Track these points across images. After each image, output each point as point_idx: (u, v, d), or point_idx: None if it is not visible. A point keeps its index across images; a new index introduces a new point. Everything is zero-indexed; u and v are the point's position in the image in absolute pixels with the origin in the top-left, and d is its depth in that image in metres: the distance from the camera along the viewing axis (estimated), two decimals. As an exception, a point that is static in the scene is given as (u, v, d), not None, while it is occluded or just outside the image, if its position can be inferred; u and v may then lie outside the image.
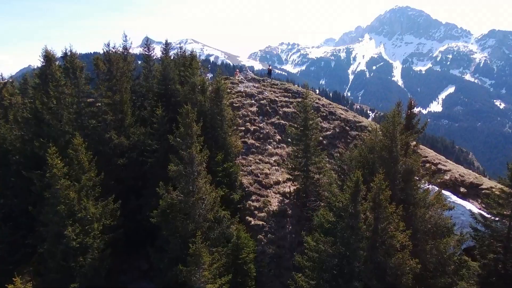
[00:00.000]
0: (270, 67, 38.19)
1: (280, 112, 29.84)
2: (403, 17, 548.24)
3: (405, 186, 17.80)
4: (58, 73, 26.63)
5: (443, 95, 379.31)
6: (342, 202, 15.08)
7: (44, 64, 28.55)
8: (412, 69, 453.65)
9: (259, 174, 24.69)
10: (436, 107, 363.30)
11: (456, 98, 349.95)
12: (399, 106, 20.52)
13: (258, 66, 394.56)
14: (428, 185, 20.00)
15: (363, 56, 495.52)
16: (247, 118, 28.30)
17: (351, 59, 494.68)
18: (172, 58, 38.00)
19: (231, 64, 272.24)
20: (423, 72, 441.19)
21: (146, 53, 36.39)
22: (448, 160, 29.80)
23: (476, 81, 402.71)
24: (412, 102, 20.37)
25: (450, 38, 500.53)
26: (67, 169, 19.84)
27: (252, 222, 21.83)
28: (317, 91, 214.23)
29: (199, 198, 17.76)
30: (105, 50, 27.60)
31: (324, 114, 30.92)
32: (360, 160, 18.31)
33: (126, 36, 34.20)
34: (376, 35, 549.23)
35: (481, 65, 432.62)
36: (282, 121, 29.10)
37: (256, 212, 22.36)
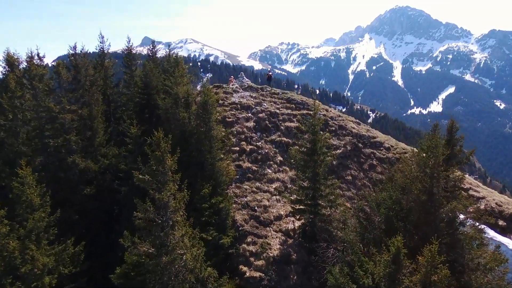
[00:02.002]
0: (271, 73, 33.27)
1: (282, 127, 25.24)
2: (403, 17, 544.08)
3: (451, 241, 13.24)
4: (13, 82, 22.08)
5: (443, 95, 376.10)
6: (373, 278, 10.51)
7: (8, 70, 24.25)
8: (412, 69, 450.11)
9: (256, 207, 20.10)
10: (436, 107, 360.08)
11: (456, 98, 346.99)
12: (436, 128, 15.95)
13: (258, 66, 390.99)
14: (480, 229, 15.43)
15: (363, 56, 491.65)
16: (243, 136, 23.68)
17: (351, 59, 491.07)
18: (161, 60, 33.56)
19: (231, 64, 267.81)
20: (423, 72, 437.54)
21: (127, 55, 31.87)
22: (480, 184, 25.29)
23: (476, 81, 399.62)
24: (454, 124, 15.76)
25: (450, 38, 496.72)
26: (5, 212, 15.21)
27: (247, 274, 17.22)
28: (317, 91, 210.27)
29: (175, 257, 13.17)
30: (70, 54, 22.86)
31: (333, 128, 26.35)
32: (391, 206, 13.73)
33: (102, 37, 29.70)
34: (376, 35, 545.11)
35: (481, 65, 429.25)
36: (284, 139, 24.51)
37: (252, 259, 17.75)
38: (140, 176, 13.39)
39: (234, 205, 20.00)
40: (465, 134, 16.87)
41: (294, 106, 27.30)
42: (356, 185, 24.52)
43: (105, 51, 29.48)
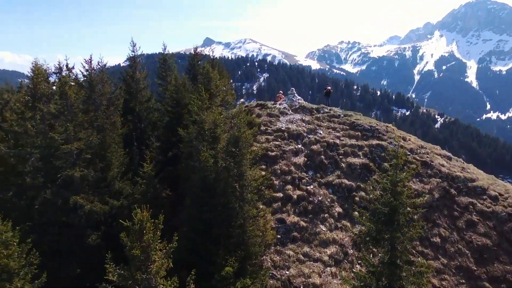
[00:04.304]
0: (329, 87, 26.40)
1: (343, 164, 18.88)
2: (481, 11, 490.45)
3: None
4: (17, 103, 19.01)
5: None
6: None
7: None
8: (490, 69, 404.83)
9: (302, 287, 14.27)
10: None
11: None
12: None
13: (315, 65, 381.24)
14: None
15: (432, 54, 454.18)
16: (289, 177, 17.82)
17: (418, 58, 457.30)
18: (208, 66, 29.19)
19: (288, 64, 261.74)
20: (504, 73, 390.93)
21: (162, 65, 27.86)
22: None
23: None
24: None
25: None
26: None
27: None
28: (378, 92, 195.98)
29: None
30: (85, 69, 18.93)
31: (414, 166, 19.38)
32: None
33: (134, 45, 25.79)
34: (447, 32, 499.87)
35: None
36: (346, 181, 18.15)
37: None
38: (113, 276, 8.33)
39: (271, 281, 14.36)
40: None
41: (360, 134, 20.68)
42: (447, 252, 17.43)
43: (137, 60, 25.59)
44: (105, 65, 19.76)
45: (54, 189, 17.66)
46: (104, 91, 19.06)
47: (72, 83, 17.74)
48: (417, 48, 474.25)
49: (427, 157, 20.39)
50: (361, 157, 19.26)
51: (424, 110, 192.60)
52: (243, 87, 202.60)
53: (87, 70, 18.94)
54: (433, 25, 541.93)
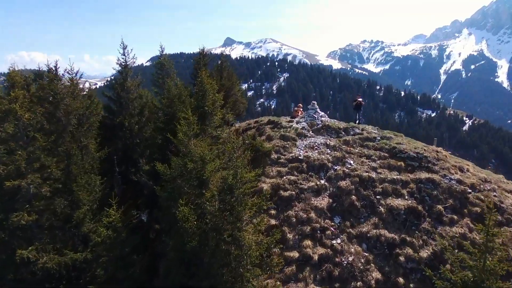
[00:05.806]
0: (360, 99, 21.19)
1: (381, 208, 13.89)
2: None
3: None
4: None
5: None
6: None
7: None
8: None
9: None
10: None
11: None
12: None
13: (337, 65, 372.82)
14: None
15: (459, 53, 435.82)
16: (307, 228, 12.96)
17: (444, 57, 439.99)
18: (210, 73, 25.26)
19: (309, 64, 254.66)
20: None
21: (159, 70, 23.78)
22: None
23: None
24: None
25: None
26: None
27: None
28: (402, 93, 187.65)
29: None
30: (49, 80, 14.84)
31: (477, 210, 14.31)
32: None
33: (125, 47, 21.74)
34: (477, 30, 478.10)
35: None
36: (386, 232, 13.19)
37: None
38: None
39: None
40: None
41: (403, 164, 15.54)
42: None
43: (128, 66, 21.52)
44: (76, 73, 15.67)
45: (2, 235, 13.75)
46: (74, 107, 15.03)
47: (26, 98, 13.78)
48: (444, 47, 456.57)
49: (495, 195, 15.18)
50: (406, 197, 14.29)
51: (451, 112, 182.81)
52: (263, 87, 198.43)
53: (51, 80, 14.93)
54: (461, 23, 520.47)
